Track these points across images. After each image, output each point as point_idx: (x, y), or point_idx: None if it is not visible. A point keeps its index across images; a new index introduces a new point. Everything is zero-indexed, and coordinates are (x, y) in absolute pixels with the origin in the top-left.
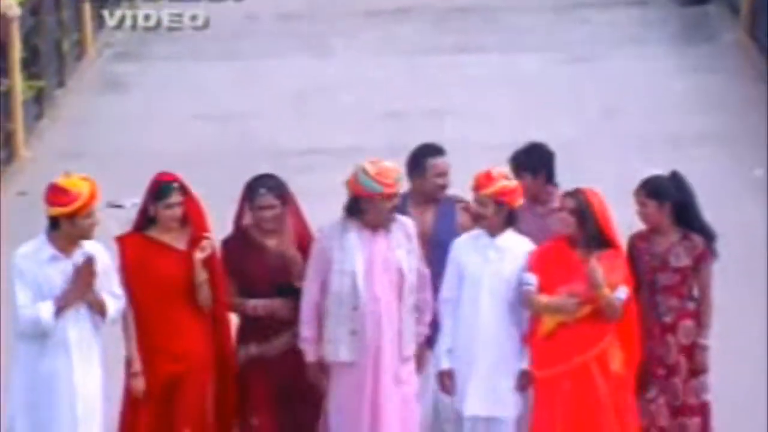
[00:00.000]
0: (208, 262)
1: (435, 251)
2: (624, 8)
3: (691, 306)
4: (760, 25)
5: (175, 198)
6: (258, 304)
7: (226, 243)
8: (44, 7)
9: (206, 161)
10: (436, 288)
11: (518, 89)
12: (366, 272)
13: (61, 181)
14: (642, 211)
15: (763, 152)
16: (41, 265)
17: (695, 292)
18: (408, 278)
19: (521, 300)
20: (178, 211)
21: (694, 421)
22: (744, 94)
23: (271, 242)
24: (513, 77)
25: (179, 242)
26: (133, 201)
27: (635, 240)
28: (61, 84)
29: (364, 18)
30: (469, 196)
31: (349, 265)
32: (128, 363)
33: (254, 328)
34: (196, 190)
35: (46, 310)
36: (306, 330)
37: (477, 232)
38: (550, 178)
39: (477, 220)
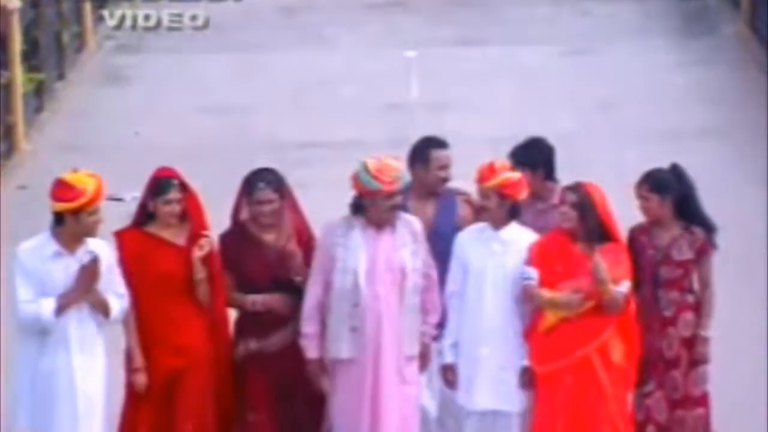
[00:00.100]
0: (206, 259)
1: (436, 244)
2: (624, 1)
3: (691, 299)
4: (760, 18)
5: (174, 194)
6: (257, 299)
7: (224, 238)
8: None
9: (206, 154)
10: (440, 281)
11: (518, 82)
12: (368, 270)
13: (67, 176)
14: (645, 205)
15: (763, 145)
16: (44, 261)
17: (695, 285)
18: (411, 278)
19: (522, 294)
20: (176, 208)
21: (696, 412)
22: (745, 86)
23: (268, 237)
24: (513, 70)
25: (178, 238)
26: (133, 194)
27: (636, 233)
28: (61, 77)
29: (363, 10)
30: (469, 188)
31: (352, 262)
32: (129, 358)
33: (253, 323)
34: (195, 183)
35: (47, 306)
36: (307, 326)
37: (481, 225)
38: (549, 173)
39: (480, 212)
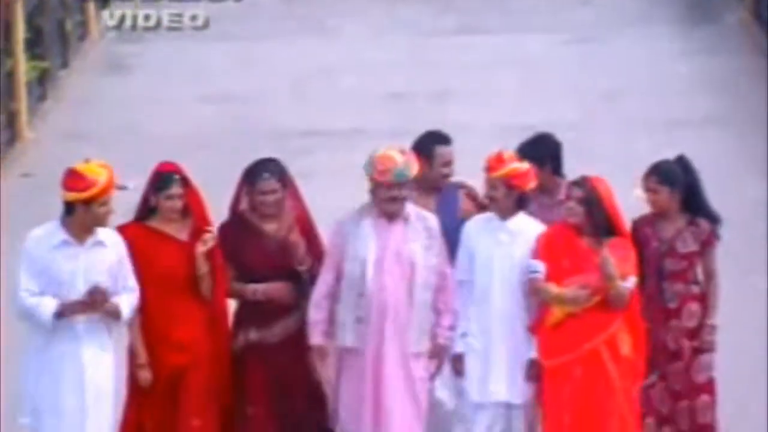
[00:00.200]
0: (209, 253)
1: None
2: None
3: (696, 289)
4: (764, 5)
5: (176, 189)
6: (258, 288)
7: (223, 228)
8: None
9: (208, 143)
10: None
11: (521, 71)
12: (376, 260)
13: (79, 166)
14: (653, 198)
15: (765, 132)
16: (50, 249)
17: (699, 276)
18: (420, 272)
19: (529, 288)
20: (178, 203)
21: (701, 399)
22: (748, 74)
23: (269, 227)
24: (516, 59)
25: (180, 233)
26: (137, 182)
27: (640, 225)
28: (64, 65)
29: None
30: (472, 179)
31: (361, 251)
32: (132, 354)
33: (253, 313)
34: (197, 172)
35: (48, 307)
36: (315, 313)
37: (488, 215)
38: (557, 169)
39: (481, 206)
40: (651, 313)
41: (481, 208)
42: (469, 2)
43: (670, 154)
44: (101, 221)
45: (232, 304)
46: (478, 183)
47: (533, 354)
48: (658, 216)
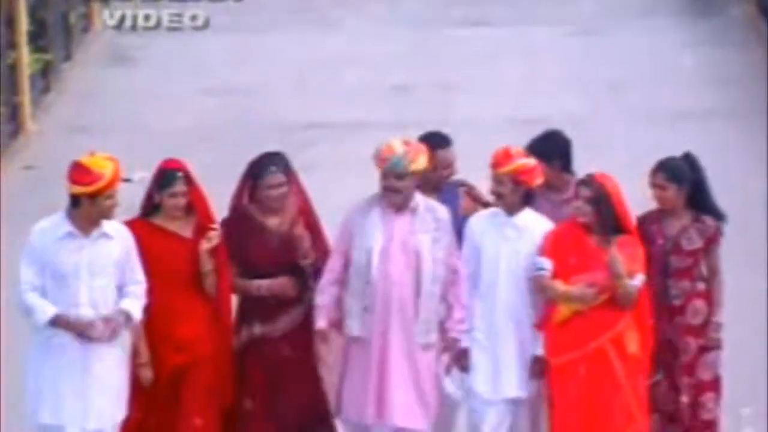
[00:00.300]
0: (213, 251)
1: None
2: None
3: (701, 286)
4: None
5: (180, 187)
6: (262, 284)
7: (225, 224)
8: None
9: (211, 135)
10: None
11: (525, 63)
12: (383, 250)
13: (84, 160)
14: (660, 194)
15: None
16: (55, 241)
17: (704, 273)
18: (427, 264)
19: (536, 285)
20: (181, 201)
21: (706, 396)
22: (753, 66)
23: (272, 222)
24: (520, 50)
25: (184, 230)
26: (141, 175)
27: (645, 222)
28: (68, 57)
29: None
30: (476, 172)
31: (368, 241)
32: (135, 353)
33: (257, 308)
34: (200, 165)
35: (45, 312)
36: (320, 298)
37: (493, 211)
38: (566, 166)
39: (479, 203)
40: (656, 310)
41: (483, 205)
42: None
43: (674, 146)
44: (107, 214)
45: (233, 300)
46: (481, 176)
47: (539, 350)
48: (663, 213)
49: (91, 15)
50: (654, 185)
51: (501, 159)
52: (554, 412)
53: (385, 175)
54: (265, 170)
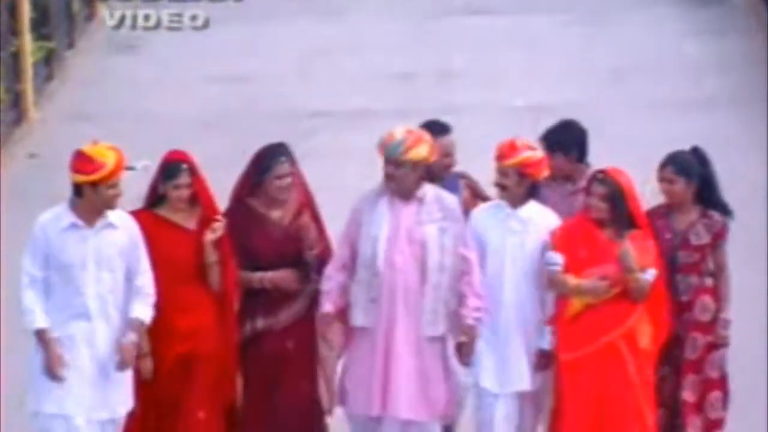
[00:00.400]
0: (217, 242)
1: None
2: None
3: (708, 282)
4: None
5: (184, 179)
6: (265, 276)
7: (227, 216)
8: None
9: (214, 123)
10: None
11: (527, 51)
12: (389, 240)
13: (87, 149)
14: (668, 188)
15: None
16: (59, 233)
17: (712, 268)
18: (433, 254)
19: (547, 280)
20: (185, 193)
21: (713, 395)
22: (755, 55)
23: (274, 214)
24: (523, 39)
25: (188, 222)
26: (144, 163)
27: (653, 217)
28: (71, 45)
29: None
30: (477, 160)
31: (374, 230)
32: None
33: (260, 301)
34: (203, 152)
35: (36, 320)
36: (326, 284)
37: (496, 203)
38: (581, 156)
39: (478, 195)
40: None
41: (483, 200)
42: None
43: (676, 135)
44: (110, 203)
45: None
46: (483, 164)
47: (544, 344)
48: (671, 207)
49: (94, 3)
50: (662, 179)
51: (506, 151)
52: (564, 407)
53: (385, 162)
54: (274, 161)
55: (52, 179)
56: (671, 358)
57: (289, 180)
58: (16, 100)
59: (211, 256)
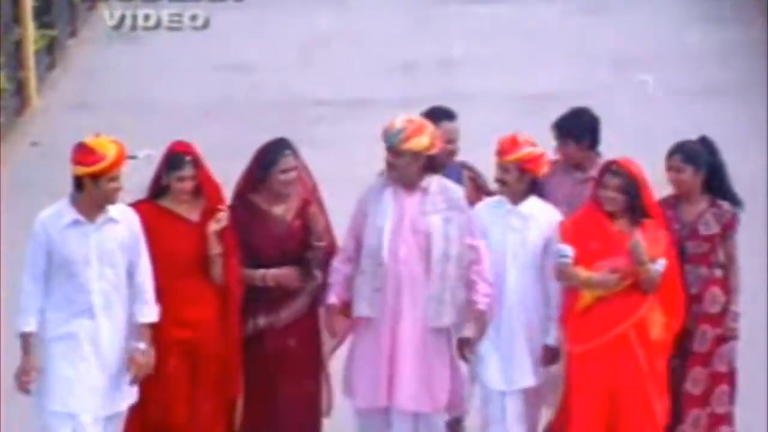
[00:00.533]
0: (221, 234)
1: None
2: None
3: (718, 273)
4: None
5: (187, 171)
6: (267, 274)
7: (230, 213)
8: None
9: (217, 111)
10: None
11: (529, 40)
12: (393, 230)
13: (88, 140)
14: (676, 177)
15: None
16: (61, 229)
17: (722, 259)
18: (437, 244)
19: (557, 273)
20: (189, 184)
21: (720, 389)
22: (756, 44)
23: (277, 210)
24: (524, 28)
25: (192, 213)
26: (146, 152)
27: (662, 207)
28: (73, 34)
29: None
30: (479, 149)
31: (379, 220)
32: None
33: (262, 298)
34: (206, 141)
35: (24, 324)
36: (332, 277)
37: (497, 199)
38: (593, 144)
39: (480, 190)
40: None
41: (486, 194)
42: None
43: (677, 124)
44: (110, 197)
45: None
46: (484, 154)
47: (550, 340)
48: (679, 198)
49: None
50: (670, 168)
51: (507, 147)
52: (573, 399)
53: (386, 150)
54: (279, 154)
55: (55, 167)
56: (681, 350)
57: (293, 174)
58: (19, 89)
59: (214, 247)
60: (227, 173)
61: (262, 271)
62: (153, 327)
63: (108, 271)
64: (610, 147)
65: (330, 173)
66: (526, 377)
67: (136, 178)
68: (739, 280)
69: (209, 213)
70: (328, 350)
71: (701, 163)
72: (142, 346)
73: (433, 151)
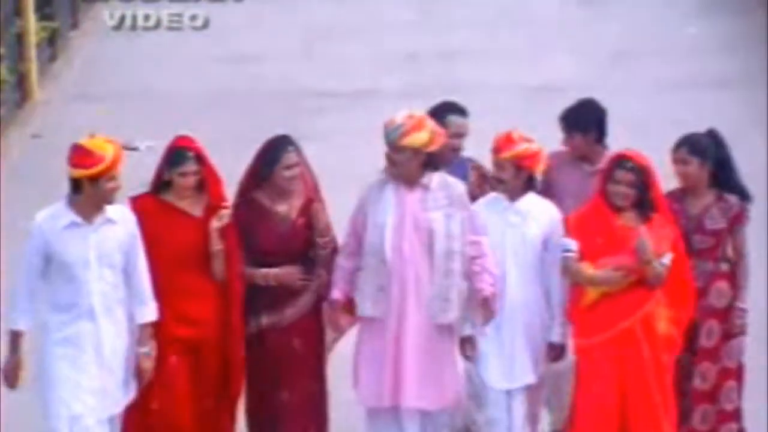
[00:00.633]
0: (223, 231)
1: None
2: None
3: (725, 267)
4: None
5: (189, 167)
6: (269, 273)
7: (233, 211)
8: None
9: (219, 103)
10: None
11: (531, 31)
12: (395, 227)
13: (85, 142)
14: (683, 170)
15: None
16: (59, 232)
17: (729, 253)
18: (440, 241)
19: (561, 268)
20: (191, 180)
21: (728, 385)
22: (759, 35)
23: (280, 208)
24: (526, 18)
25: (194, 208)
26: (148, 143)
27: (668, 201)
28: (74, 26)
29: None
30: (481, 139)
31: (381, 218)
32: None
33: (264, 298)
34: (208, 132)
35: (16, 321)
36: (335, 274)
37: (494, 196)
38: (601, 137)
39: (485, 180)
40: None
41: (491, 184)
42: None
43: (679, 115)
44: (109, 197)
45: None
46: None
47: (554, 337)
48: (686, 191)
49: None
50: (676, 160)
51: (502, 144)
52: (579, 394)
53: (386, 146)
54: (282, 151)
55: (56, 160)
56: (690, 345)
57: (297, 170)
58: (20, 81)
59: (216, 244)
60: (229, 163)
61: (263, 271)
62: (153, 324)
63: (107, 273)
64: (610, 139)
65: (333, 164)
66: (528, 374)
67: (141, 172)
68: (747, 276)
69: (212, 209)
70: (329, 341)
71: (707, 156)
72: (146, 349)
73: (434, 148)
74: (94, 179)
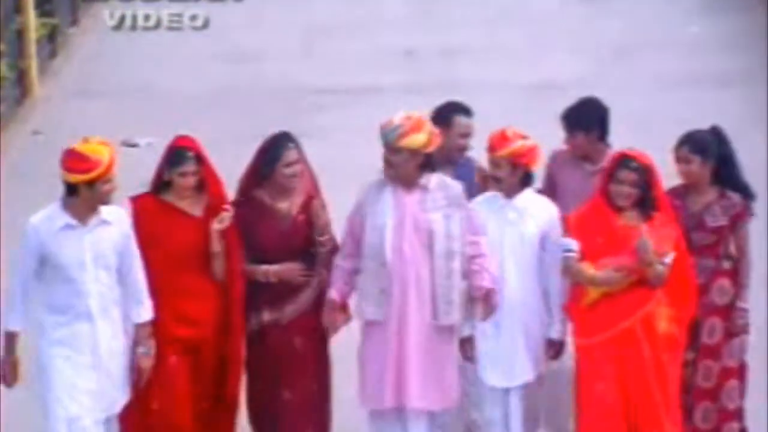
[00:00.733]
0: (224, 232)
1: None
2: None
3: (726, 265)
4: None
5: (189, 167)
6: (270, 270)
7: (234, 207)
8: None
9: (219, 100)
10: None
11: (532, 27)
12: (395, 229)
13: (79, 147)
14: (685, 168)
15: None
16: (54, 234)
17: (731, 250)
18: (440, 241)
19: (562, 267)
20: (191, 180)
21: (729, 384)
22: (760, 33)
23: (281, 205)
24: (527, 15)
25: (194, 208)
26: (147, 140)
27: (670, 198)
28: (74, 22)
29: None
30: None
31: (380, 219)
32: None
33: (265, 294)
34: (208, 129)
35: (11, 322)
36: (333, 274)
37: (491, 194)
38: (603, 136)
39: (485, 181)
40: None
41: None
42: None
43: (681, 113)
44: (105, 199)
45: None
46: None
47: (553, 334)
48: (688, 188)
49: None
50: (678, 158)
51: (497, 142)
52: (582, 394)
53: (384, 147)
54: (282, 148)
55: (57, 155)
56: (692, 343)
57: (297, 167)
58: (20, 78)
59: (216, 245)
60: (229, 164)
61: (264, 267)
62: (152, 323)
63: (102, 274)
64: (612, 137)
65: (333, 161)
66: (527, 372)
67: (141, 172)
68: (749, 275)
69: (212, 209)
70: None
71: (710, 154)
72: (144, 349)
73: (431, 149)
74: (91, 183)
